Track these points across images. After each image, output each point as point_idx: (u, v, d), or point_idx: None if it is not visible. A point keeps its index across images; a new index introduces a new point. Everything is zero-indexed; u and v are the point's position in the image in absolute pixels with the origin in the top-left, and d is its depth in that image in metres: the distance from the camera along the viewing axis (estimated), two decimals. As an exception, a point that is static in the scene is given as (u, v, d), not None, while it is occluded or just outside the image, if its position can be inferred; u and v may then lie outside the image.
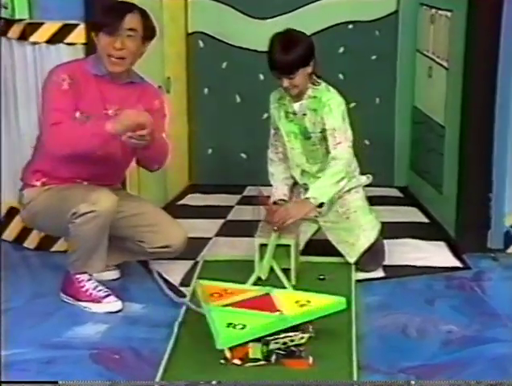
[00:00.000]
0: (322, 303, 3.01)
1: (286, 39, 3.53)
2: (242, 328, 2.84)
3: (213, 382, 2.71)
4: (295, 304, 2.99)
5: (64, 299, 3.41)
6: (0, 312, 3.23)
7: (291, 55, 3.47)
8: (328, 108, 3.58)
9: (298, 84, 3.55)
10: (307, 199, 3.56)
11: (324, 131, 3.62)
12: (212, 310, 2.98)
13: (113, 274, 3.67)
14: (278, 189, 3.82)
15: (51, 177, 3.40)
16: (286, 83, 3.53)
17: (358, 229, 3.75)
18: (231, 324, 2.86)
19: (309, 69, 3.55)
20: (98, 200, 3.22)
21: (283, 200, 3.77)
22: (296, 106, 3.66)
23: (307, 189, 3.75)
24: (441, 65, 4.43)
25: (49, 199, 3.37)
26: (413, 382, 2.74)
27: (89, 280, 3.38)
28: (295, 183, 3.87)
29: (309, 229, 3.84)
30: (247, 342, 2.82)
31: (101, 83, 3.35)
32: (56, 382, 2.72)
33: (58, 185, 3.39)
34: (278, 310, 2.94)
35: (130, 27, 3.28)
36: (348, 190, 3.77)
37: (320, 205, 3.57)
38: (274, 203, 3.76)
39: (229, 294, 3.11)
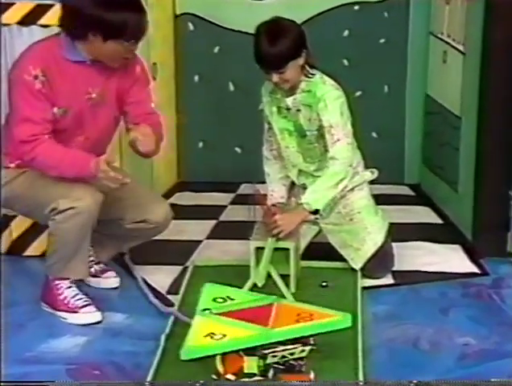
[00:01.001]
0: (323, 318, 2.97)
1: (273, 30, 3.49)
2: (221, 338, 2.86)
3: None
4: (294, 317, 2.98)
5: (43, 307, 3.43)
6: (0, 315, 3.24)
7: (279, 47, 3.44)
8: (324, 103, 3.55)
9: (289, 78, 3.52)
10: (300, 204, 3.56)
11: (320, 128, 3.61)
12: (200, 316, 3.01)
13: (114, 282, 3.69)
14: (275, 191, 3.82)
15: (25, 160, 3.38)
16: (275, 78, 3.51)
17: (363, 232, 3.75)
18: (210, 334, 2.88)
19: (301, 61, 3.52)
20: (80, 196, 3.22)
21: (281, 203, 3.78)
22: (289, 101, 3.64)
23: (305, 188, 3.75)
24: (457, 49, 4.43)
25: (28, 185, 3.34)
26: (415, 381, 2.76)
27: (69, 287, 3.39)
28: (294, 182, 3.88)
29: (309, 232, 3.84)
30: (241, 355, 2.82)
31: (82, 68, 3.33)
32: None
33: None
34: (267, 324, 2.93)
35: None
36: (351, 189, 3.76)
37: (316, 211, 3.57)
38: (272, 205, 3.76)
39: (232, 301, 3.14)
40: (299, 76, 3.57)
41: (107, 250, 3.68)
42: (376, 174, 3.83)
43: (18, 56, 3.35)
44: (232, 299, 3.14)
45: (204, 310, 3.06)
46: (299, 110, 3.63)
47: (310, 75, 3.60)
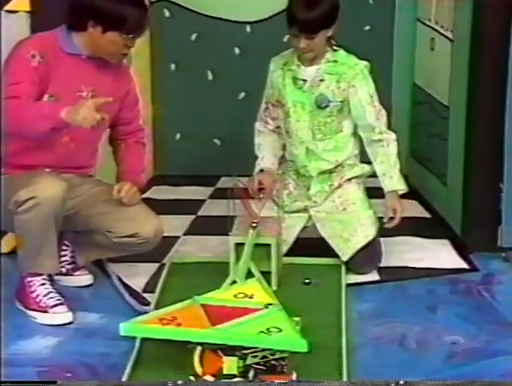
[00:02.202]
0: (284, 338, 2.88)
1: None
2: (169, 325, 2.87)
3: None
4: (261, 326, 2.91)
5: (18, 305, 3.42)
6: (0, 311, 3.25)
7: (317, 11, 3.57)
8: (362, 74, 3.72)
9: (316, 46, 3.64)
10: (393, 191, 3.76)
11: (344, 100, 3.72)
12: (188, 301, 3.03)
13: (86, 279, 3.70)
14: (266, 157, 3.87)
15: (10, 165, 3.40)
16: (303, 43, 3.61)
17: (356, 223, 3.79)
18: (167, 319, 2.88)
19: (329, 32, 3.65)
20: (39, 186, 3.22)
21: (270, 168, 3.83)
22: (311, 71, 3.73)
23: (299, 174, 3.84)
24: (445, 36, 4.45)
25: (4, 191, 3.36)
26: (402, 382, 2.77)
27: (42, 285, 3.39)
28: (283, 173, 3.91)
29: (298, 221, 3.87)
30: (219, 356, 2.82)
31: (76, 62, 3.40)
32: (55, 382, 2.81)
33: (15, 174, 3.38)
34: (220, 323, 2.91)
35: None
36: (349, 179, 3.84)
37: None
38: (261, 170, 3.81)
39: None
40: (324, 48, 3.69)
41: (87, 256, 3.68)
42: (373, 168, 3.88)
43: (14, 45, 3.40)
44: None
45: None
46: (322, 80, 3.72)
47: (335, 48, 3.73)
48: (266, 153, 3.88)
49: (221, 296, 3.15)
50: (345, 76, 3.71)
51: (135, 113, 3.67)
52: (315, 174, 3.84)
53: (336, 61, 3.73)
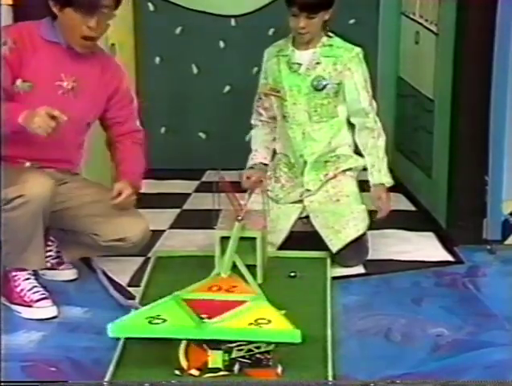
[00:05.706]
0: (275, 328, 2.88)
1: None
2: (158, 324, 2.87)
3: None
4: (251, 319, 2.90)
5: (2, 300, 3.40)
6: (0, 310, 3.25)
7: None
8: (358, 58, 3.79)
9: (314, 28, 3.70)
10: (381, 184, 3.81)
11: (341, 83, 3.77)
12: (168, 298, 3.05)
13: (71, 274, 3.68)
14: (259, 152, 3.94)
15: None
16: (303, 23, 3.65)
17: (348, 215, 3.81)
18: (153, 317, 2.89)
19: (327, 15, 3.71)
20: (28, 184, 3.20)
21: (264, 164, 3.91)
22: (306, 55, 3.79)
23: (291, 167, 3.87)
24: (430, 30, 4.45)
25: None
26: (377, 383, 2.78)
27: (27, 279, 3.38)
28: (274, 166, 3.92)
29: (293, 210, 3.89)
30: (205, 349, 2.82)
31: (57, 50, 3.37)
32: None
33: None
34: (208, 318, 2.91)
35: (105, 4, 3.28)
36: (344, 172, 3.86)
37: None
38: (251, 167, 3.87)
39: (217, 291, 3.17)
40: (320, 31, 3.76)
41: (72, 254, 3.66)
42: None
43: None
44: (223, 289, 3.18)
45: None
46: (318, 63, 3.78)
47: (330, 35, 3.81)
48: (258, 147, 3.95)
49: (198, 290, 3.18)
50: (342, 59, 3.78)
51: (128, 113, 3.59)
52: (310, 160, 3.85)
53: (331, 45, 3.80)
